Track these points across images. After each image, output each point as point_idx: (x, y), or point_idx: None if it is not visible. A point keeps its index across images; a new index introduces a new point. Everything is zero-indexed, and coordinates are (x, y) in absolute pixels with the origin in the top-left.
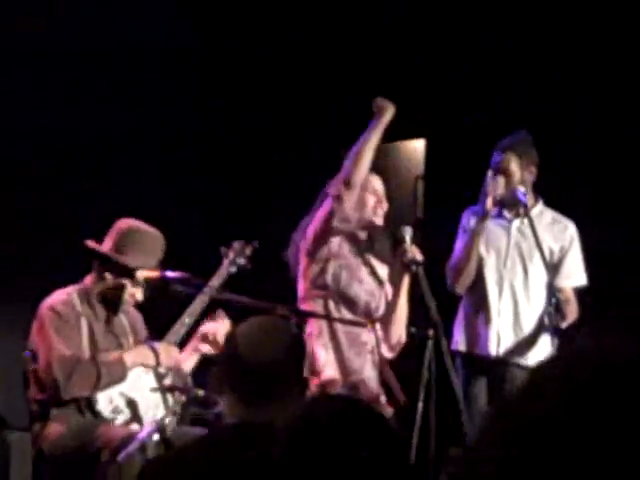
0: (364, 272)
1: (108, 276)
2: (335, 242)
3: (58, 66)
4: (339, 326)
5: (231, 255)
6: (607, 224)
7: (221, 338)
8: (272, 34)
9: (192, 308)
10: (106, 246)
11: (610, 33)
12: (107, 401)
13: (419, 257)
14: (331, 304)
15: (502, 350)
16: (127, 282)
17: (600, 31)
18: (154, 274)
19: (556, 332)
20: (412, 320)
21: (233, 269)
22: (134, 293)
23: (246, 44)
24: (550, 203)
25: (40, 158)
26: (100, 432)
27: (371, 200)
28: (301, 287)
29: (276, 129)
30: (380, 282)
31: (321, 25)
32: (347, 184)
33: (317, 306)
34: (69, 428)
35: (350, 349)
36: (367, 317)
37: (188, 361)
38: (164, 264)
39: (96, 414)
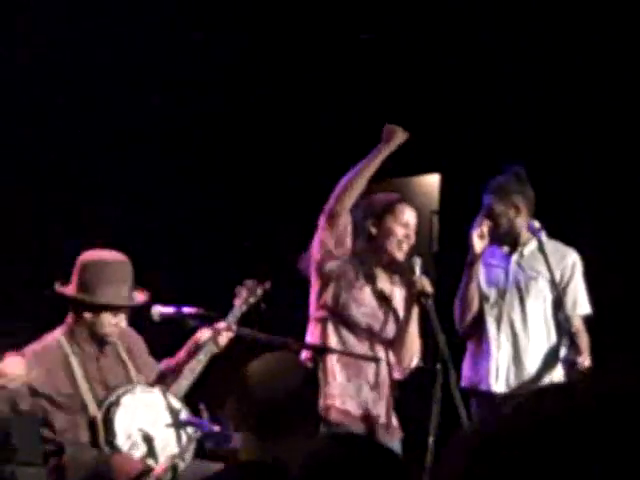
0: (366, 294)
1: (85, 315)
2: (339, 262)
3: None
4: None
5: (244, 294)
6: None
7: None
8: (279, 59)
9: (199, 357)
10: (72, 287)
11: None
12: (126, 436)
13: (429, 289)
14: (330, 325)
15: (502, 384)
16: (106, 316)
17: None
18: (170, 310)
19: (572, 367)
20: (421, 354)
21: (244, 308)
22: (117, 322)
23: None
24: (554, 233)
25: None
26: (116, 463)
27: (400, 232)
28: (311, 306)
29: (285, 156)
30: (387, 304)
31: (334, 54)
32: (330, 215)
33: (318, 327)
34: (84, 462)
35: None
36: (371, 339)
37: (184, 379)
38: (175, 299)
39: (115, 449)
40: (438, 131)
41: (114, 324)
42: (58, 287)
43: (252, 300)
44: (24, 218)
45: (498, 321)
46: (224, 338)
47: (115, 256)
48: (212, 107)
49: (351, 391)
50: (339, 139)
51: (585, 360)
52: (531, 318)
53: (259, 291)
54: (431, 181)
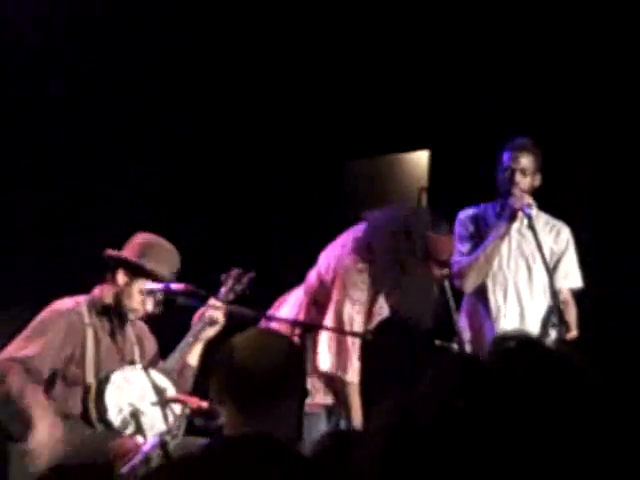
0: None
1: (121, 279)
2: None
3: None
4: None
5: (229, 282)
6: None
7: (219, 316)
8: (269, 43)
9: (195, 329)
10: (125, 254)
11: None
12: (117, 410)
13: (446, 270)
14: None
15: None
16: (139, 288)
17: (611, 45)
18: (158, 286)
19: (558, 342)
20: (436, 332)
21: (231, 296)
22: (144, 300)
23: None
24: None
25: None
26: (116, 443)
27: (436, 271)
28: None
29: (278, 145)
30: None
31: (326, 31)
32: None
33: (312, 310)
34: (78, 440)
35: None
36: None
37: (192, 353)
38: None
39: (107, 424)
40: (427, 107)
41: (141, 301)
42: (110, 251)
43: (238, 288)
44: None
45: (504, 288)
46: (219, 314)
47: (170, 247)
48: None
49: None
50: (328, 116)
51: (573, 338)
52: (537, 286)
53: (245, 280)
54: (420, 157)
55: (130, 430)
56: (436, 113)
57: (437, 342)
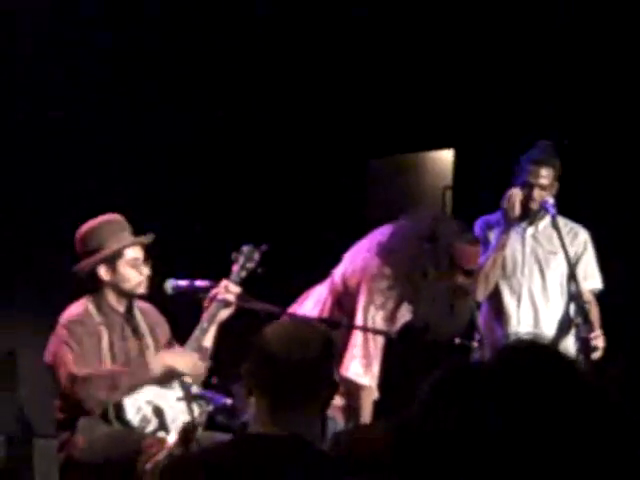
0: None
1: (107, 274)
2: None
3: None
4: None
5: (241, 260)
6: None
7: (232, 291)
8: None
9: (209, 314)
10: (84, 262)
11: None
12: (135, 410)
13: (471, 281)
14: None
15: None
16: (126, 269)
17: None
18: (183, 283)
19: (583, 343)
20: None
21: (243, 274)
22: (138, 270)
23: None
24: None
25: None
26: (131, 442)
27: (461, 280)
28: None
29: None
30: None
31: (354, 27)
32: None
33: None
34: (98, 437)
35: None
36: None
37: (207, 336)
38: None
39: (125, 423)
40: (452, 106)
41: (137, 273)
42: (75, 269)
43: (250, 265)
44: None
45: (518, 295)
46: (232, 296)
47: (106, 216)
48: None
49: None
50: (353, 114)
51: (598, 337)
52: (551, 291)
53: (256, 255)
54: (445, 156)
55: (151, 428)
56: (461, 112)
57: (457, 340)
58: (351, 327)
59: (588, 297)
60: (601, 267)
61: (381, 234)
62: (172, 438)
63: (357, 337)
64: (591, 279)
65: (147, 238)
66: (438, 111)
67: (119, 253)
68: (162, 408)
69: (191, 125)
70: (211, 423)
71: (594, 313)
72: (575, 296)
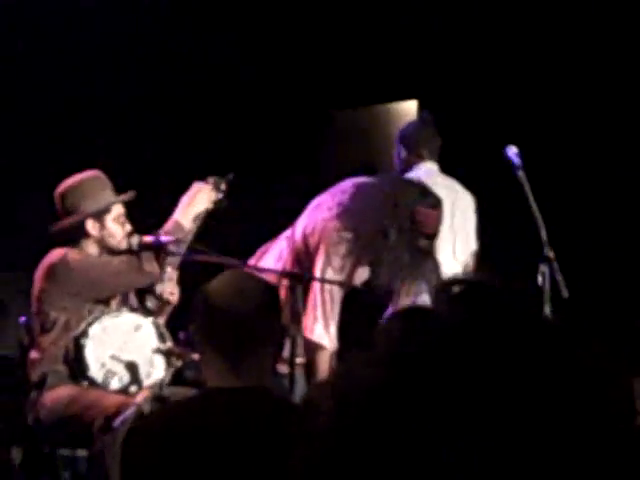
0: None
1: (94, 229)
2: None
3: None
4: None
5: None
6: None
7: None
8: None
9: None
10: (65, 220)
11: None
12: (99, 366)
13: (431, 244)
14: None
15: None
16: (111, 225)
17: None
18: (149, 239)
19: None
20: None
21: (210, 206)
22: (122, 224)
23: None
24: None
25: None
26: (92, 400)
27: (422, 243)
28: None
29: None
30: None
31: None
32: None
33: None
34: (64, 396)
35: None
36: None
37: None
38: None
39: (89, 380)
40: (416, 57)
41: (122, 228)
42: (53, 228)
43: (216, 196)
44: None
45: None
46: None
47: (86, 174)
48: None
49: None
50: (316, 66)
51: None
52: None
53: (223, 185)
54: (409, 107)
55: (118, 382)
56: (424, 62)
57: None
58: (310, 280)
59: None
60: None
61: (342, 192)
62: (141, 395)
63: (316, 298)
64: None
65: (129, 195)
66: (402, 62)
67: (107, 209)
68: (137, 363)
69: (164, 73)
70: (179, 378)
71: None
72: None
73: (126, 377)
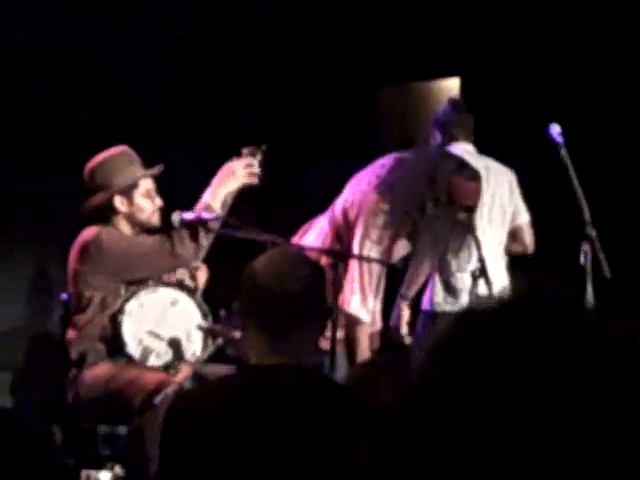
0: None
1: (123, 205)
2: None
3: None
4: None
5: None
6: None
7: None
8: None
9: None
10: (96, 196)
11: None
12: (136, 342)
13: (471, 216)
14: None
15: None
16: (141, 200)
17: None
18: (190, 216)
19: None
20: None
21: (246, 180)
22: (152, 200)
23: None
24: None
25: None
26: (132, 377)
27: (461, 216)
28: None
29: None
30: None
31: None
32: None
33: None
34: (103, 373)
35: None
36: None
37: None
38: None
39: (127, 357)
40: (458, 35)
41: (151, 203)
42: (85, 205)
43: (251, 169)
44: None
45: None
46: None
47: (114, 149)
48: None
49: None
50: (359, 43)
51: None
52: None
53: (259, 156)
54: (451, 85)
55: (155, 360)
56: (467, 40)
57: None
58: (347, 257)
59: None
60: None
61: (381, 166)
62: (181, 372)
63: (354, 271)
64: None
65: (158, 169)
66: (444, 39)
67: (134, 184)
68: (175, 339)
69: (198, 52)
70: (222, 355)
71: None
72: None
73: (164, 353)
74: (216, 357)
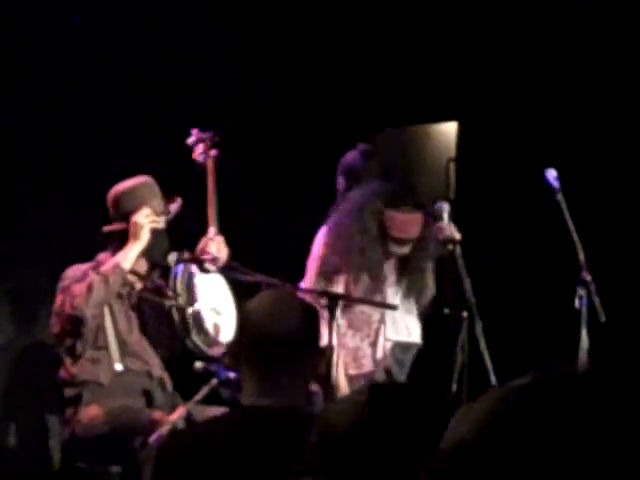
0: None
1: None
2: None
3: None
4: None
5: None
6: None
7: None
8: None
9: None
10: (118, 223)
11: None
12: (211, 318)
13: (457, 235)
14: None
15: None
16: (143, 219)
17: None
18: (191, 256)
19: None
20: (446, 301)
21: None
22: (154, 222)
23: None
24: None
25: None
26: (130, 418)
27: (395, 249)
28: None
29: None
30: None
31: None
32: None
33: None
34: (103, 412)
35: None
36: None
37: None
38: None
39: (204, 332)
40: (456, 79)
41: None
42: (106, 228)
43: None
44: None
45: None
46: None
47: (140, 179)
48: None
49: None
50: (357, 87)
51: None
52: None
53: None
54: (449, 129)
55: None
56: (465, 84)
57: (446, 311)
58: (342, 298)
59: None
60: None
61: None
62: (176, 412)
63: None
64: None
65: (178, 205)
66: (442, 83)
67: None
68: (233, 312)
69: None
70: (217, 397)
71: None
72: None
73: (227, 328)
74: (211, 399)
